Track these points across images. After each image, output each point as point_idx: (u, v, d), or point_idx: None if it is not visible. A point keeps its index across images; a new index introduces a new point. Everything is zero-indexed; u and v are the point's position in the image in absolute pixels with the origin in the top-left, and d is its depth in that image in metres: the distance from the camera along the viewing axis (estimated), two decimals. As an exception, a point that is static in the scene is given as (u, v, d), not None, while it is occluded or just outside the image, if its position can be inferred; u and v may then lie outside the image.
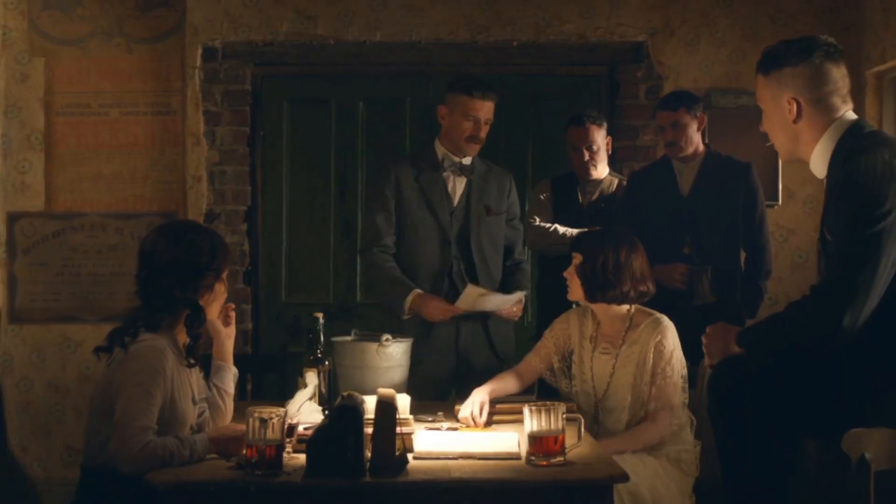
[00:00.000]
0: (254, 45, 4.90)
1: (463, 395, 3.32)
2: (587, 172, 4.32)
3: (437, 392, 3.63)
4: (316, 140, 5.02)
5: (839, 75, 2.59)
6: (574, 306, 3.50)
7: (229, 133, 4.91)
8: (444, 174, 3.83)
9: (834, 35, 4.77)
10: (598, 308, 3.34)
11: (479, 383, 3.32)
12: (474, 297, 3.64)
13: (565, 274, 3.35)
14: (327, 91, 5.04)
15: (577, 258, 3.32)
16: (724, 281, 4.08)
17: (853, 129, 2.54)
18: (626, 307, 3.30)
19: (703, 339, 2.68)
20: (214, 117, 4.91)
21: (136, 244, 4.80)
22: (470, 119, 3.74)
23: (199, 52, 4.89)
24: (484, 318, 3.79)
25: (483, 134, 3.79)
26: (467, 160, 3.85)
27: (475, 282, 3.74)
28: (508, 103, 4.95)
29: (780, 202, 4.84)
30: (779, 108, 2.63)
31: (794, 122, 2.60)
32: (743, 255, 4.29)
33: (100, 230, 4.95)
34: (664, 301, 3.48)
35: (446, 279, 3.77)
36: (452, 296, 3.72)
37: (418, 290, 3.69)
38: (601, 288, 3.27)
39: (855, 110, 4.81)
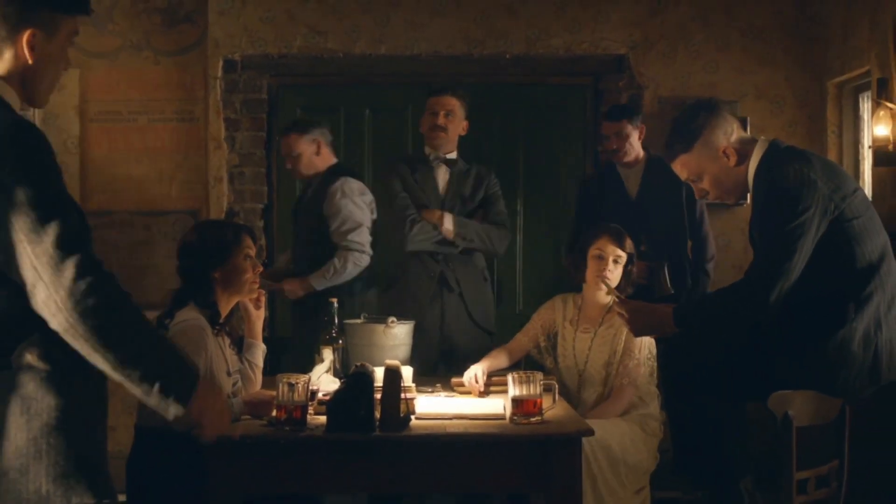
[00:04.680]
0: (270, 58, 5.22)
1: (450, 371, 3.79)
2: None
3: (424, 369, 3.93)
4: (326, 144, 5.44)
5: (731, 117, 3.07)
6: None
7: (248, 138, 5.26)
8: (433, 168, 4.29)
9: (799, 48, 5.29)
10: (589, 294, 3.79)
11: (463, 359, 3.80)
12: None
13: (613, 269, 3.67)
14: (336, 100, 5.36)
15: (624, 256, 3.72)
16: (676, 269, 4.39)
17: (771, 148, 3.00)
18: (608, 295, 3.74)
19: (625, 315, 3.09)
20: (234, 123, 5.25)
21: (163, 240, 5.31)
22: (432, 112, 4.26)
23: (220, 64, 5.20)
24: (462, 296, 4.22)
25: (442, 122, 4.25)
26: (452, 155, 4.31)
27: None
28: (501, 111, 5.38)
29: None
30: (718, 164, 3.02)
31: (737, 164, 3.01)
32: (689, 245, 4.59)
33: (129, 227, 5.29)
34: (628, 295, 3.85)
35: (438, 267, 4.22)
36: (442, 282, 4.21)
37: None
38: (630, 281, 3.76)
39: (816, 117, 5.31)
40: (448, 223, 4.17)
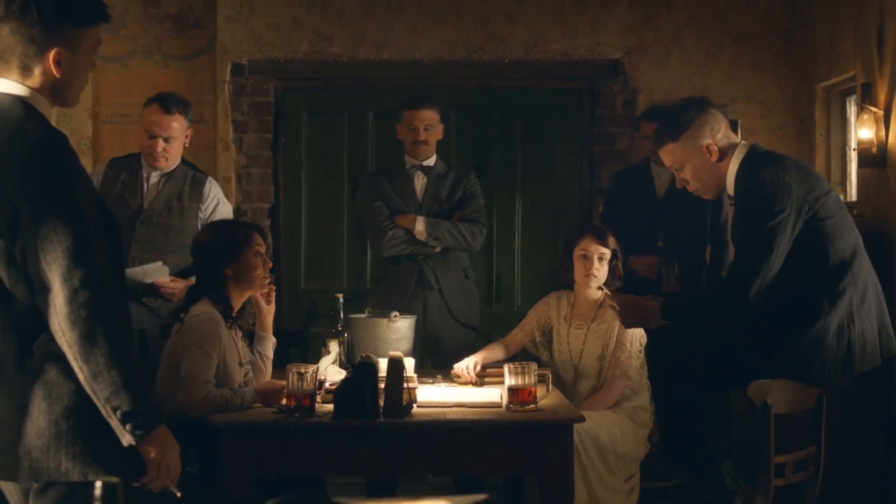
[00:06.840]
0: (276, 63, 5.37)
1: (436, 366, 3.96)
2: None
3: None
4: (331, 146, 5.50)
5: (720, 116, 3.23)
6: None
7: (255, 140, 5.41)
8: (411, 176, 4.43)
9: (788, 53, 5.46)
10: (581, 291, 3.96)
11: (449, 355, 3.97)
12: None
13: (599, 267, 3.81)
14: (341, 103, 5.52)
15: (608, 253, 3.85)
16: (692, 271, 4.45)
17: (750, 152, 3.18)
18: (600, 291, 3.92)
19: (617, 307, 3.27)
20: (242, 126, 5.40)
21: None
22: (412, 127, 4.39)
23: (228, 68, 5.36)
24: (441, 293, 4.36)
25: (423, 137, 4.39)
26: (429, 162, 4.45)
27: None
28: (500, 113, 5.51)
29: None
30: (700, 157, 3.19)
31: (718, 161, 3.18)
32: (708, 250, 4.66)
33: (139, 225, 5.50)
34: (637, 288, 3.91)
35: (417, 266, 4.36)
36: (422, 281, 4.34)
37: None
38: (617, 275, 3.90)
39: (805, 120, 5.47)
40: (419, 226, 4.32)
